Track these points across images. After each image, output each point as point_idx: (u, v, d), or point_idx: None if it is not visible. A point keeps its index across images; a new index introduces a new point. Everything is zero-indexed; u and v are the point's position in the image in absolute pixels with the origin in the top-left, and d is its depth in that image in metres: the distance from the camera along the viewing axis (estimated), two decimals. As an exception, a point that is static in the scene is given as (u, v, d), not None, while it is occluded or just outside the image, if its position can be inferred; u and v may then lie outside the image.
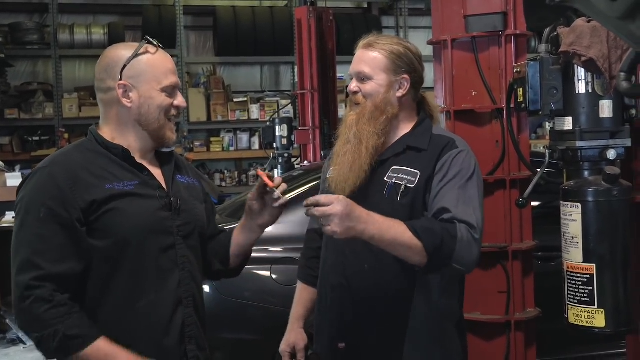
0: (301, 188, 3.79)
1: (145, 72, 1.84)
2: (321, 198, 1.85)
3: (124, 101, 1.85)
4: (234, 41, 9.25)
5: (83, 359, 1.73)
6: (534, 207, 3.07)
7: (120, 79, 1.84)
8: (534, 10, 2.33)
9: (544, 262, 3.50)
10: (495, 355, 2.95)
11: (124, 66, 1.83)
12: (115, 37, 8.90)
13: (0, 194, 6.47)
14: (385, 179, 2.06)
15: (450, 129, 2.99)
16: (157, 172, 1.91)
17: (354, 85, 2.13)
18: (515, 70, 2.40)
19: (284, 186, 1.94)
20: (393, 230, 1.90)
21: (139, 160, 1.88)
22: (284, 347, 2.27)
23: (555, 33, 2.24)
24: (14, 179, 6.57)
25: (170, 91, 1.87)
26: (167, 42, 8.22)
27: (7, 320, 5.81)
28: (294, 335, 2.28)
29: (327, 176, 2.22)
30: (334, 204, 1.83)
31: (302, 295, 2.33)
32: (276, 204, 1.94)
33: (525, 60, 2.37)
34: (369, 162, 2.06)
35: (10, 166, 7.56)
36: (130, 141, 1.88)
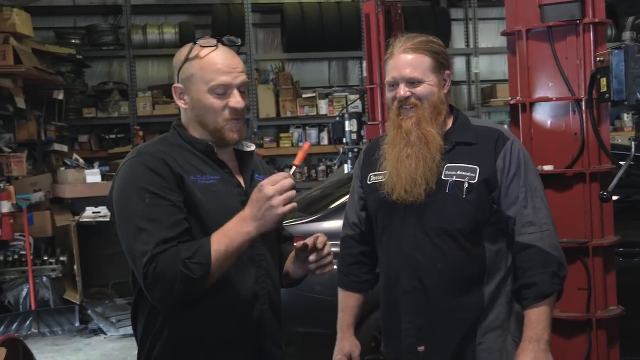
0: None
1: (193, 75, 1.85)
2: None
3: (180, 103, 1.88)
4: (301, 37, 9.30)
5: (219, 260, 1.69)
6: (614, 201, 2.96)
7: (178, 82, 1.88)
8: (628, -6, 2.24)
9: (626, 259, 3.38)
10: (576, 354, 2.87)
11: (180, 69, 1.87)
12: (186, 36, 9.10)
13: (80, 190, 6.72)
14: (442, 177, 2.06)
15: (526, 122, 2.92)
16: (236, 170, 1.93)
17: (405, 91, 2.09)
18: (597, 59, 2.32)
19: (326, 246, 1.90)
20: (544, 319, 2.05)
21: (219, 156, 1.90)
22: (339, 356, 2.28)
23: (640, 20, 2.15)
24: (93, 176, 6.81)
25: (221, 92, 1.84)
26: (237, 39, 8.33)
27: (89, 311, 6.04)
28: (347, 344, 2.29)
29: (372, 182, 2.19)
30: None
31: (348, 303, 2.33)
32: (317, 272, 1.91)
33: (604, 49, 2.29)
34: (437, 163, 2.05)
35: (89, 163, 7.84)
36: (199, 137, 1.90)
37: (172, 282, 1.68)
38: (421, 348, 2.09)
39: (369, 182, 2.22)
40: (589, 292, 2.83)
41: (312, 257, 1.87)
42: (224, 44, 1.87)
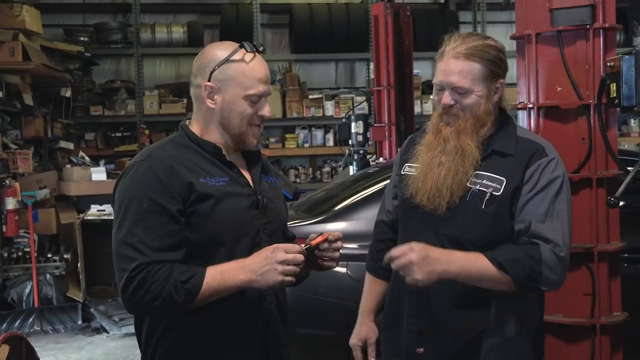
0: (377, 185, 3.77)
1: (232, 78, 1.85)
2: (393, 252, 1.85)
3: (208, 102, 1.87)
4: (309, 38, 9.30)
5: (206, 294, 1.73)
6: (620, 206, 2.95)
7: (209, 80, 1.86)
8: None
9: (630, 265, 3.36)
10: (579, 360, 2.85)
11: (215, 68, 1.85)
12: (194, 36, 9.12)
13: (86, 188, 6.74)
14: (468, 184, 1.98)
15: (534, 126, 2.91)
16: (244, 170, 1.94)
17: (449, 99, 1.98)
18: (608, 64, 2.31)
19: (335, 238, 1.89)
20: (478, 265, 1.88)
21: (227, 157, 1.90)
22: (355, 340, 2.25)
23: (651, 25, 2.14)
24: (98, 174, 6.81)
25: (255, 100, 1.87)
26: (244, 39, 8.28)
27: (92, 310, 6.04)
28: (365, 329, 2.25)
29: (405, 172, 2.14)
30: (407, 254, 1.82)
31: (372, 288, 2.29)
32: (325, 263, 1.90)
33: (614, 55, 2.27)
34: (468, 178, 1.98)
35: (94, 161, 7.85)
36: (214, 139, 1.90)
37: (156, 297, 1.71)
38: (420, 350, 2.06)
39: (402, 172, 2.16)
40: (593, 298, 2.81)
41: (325, 245, 1.86)
42: (258, 51, 1.89)
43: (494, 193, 1.96)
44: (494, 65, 1.99)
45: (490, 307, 2.01)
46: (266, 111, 1.89)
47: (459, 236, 1.99)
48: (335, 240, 1.87)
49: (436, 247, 1.88)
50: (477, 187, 1.98)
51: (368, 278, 2.31)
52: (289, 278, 1.74)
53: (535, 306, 2.11)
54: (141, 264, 1.72)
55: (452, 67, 1.97)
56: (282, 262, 1.72)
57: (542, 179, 1.95)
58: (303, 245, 1.82)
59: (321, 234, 1.88)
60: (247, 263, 1.76)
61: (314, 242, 1.85)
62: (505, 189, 1.96)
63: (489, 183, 1.97)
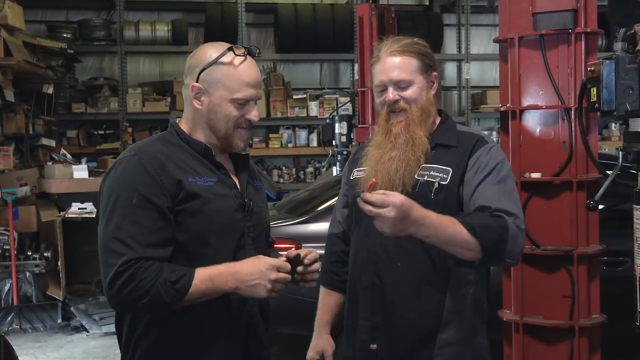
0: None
1: (219, 80, 1.84)
2: (377, 199, 1.80)
3: (195, 102, 1.86)
4: (294, 38, 9.30)
5: (193, 295, 1.73)
6: (600, 209, 2.98)
7: (197, 81, 1.85)
8: (620, 5, 2.26)
9: (610, 267, 3.40)
10: (558, 361, 2.88)
11: (203, 69, 1.84)
12: (178, 34, 9.08)
13: (67, 186, 6.67)
14: (416, 176, 2.03)
15: (515, 129, 2.93)
16: (231, 172, 1.93)
17: (394, 94, 2.07)
18: (589, 69, 2.33)
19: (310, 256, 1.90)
20: (449, 229, 1.89)
21: (216, 158, 1.89)
22: (311, 354, 2.26)
23: (632, 31, 2.16)
24: (80, 171, 6.75)
25: (242, 103, 1.86)
26: (229, 38, 8.31)
27: (72, 308, 5.99)
28: (321, 342, 2.27)
29: (353, 177, 2.19)
30: (389, 209, 1.80)
31: (327, 301, 2.30)
32: (300, 283, 1.90)
33: (595, 59, 2.30)
34: (420, 164, 2.03)
35: (76, 159, 7.79)
36: (202, 139, 1.89)
37: (144, 295, 1.70)
38: (374, 346, 2.07)
39: (351, 178, 2.21)
40: (572, 300, 2.84)
41: (299, 269, 1.87)
42: (251, 54, 1.88)
43: (442, 182, 2.02)
44: (427, 59, 2.11)
45: (444, 301, 2.03)
46: (253, 115, 1.88)
47: None
48: (311, 264, 1.88)
49: (417, 206, 1.85)
50: (425, 179, 2.03)
51: (322, 291, 2.32)
52: (272, 294, 1.77)
53: (485, 298, 2.13)
54: (130, 259, 1.70)
55: (390, 64, 2.08)
56: (272, 280, 1.75)
57: (490, 164, 2.03)
58: (286, 256, 1.84)
59: (298, 254, 1.87)
60: (237, 270, 1.76)
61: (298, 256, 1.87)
62: (452, 179, 2.02)
63: (436, 174, 2.03)
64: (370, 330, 2.08)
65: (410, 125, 2.05)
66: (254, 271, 1.76)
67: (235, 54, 1.84)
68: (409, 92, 2.07)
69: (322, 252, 3.23)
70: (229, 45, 1.87)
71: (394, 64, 2.07)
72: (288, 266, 1.79)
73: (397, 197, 1.82)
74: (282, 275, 1.77)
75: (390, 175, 2.03)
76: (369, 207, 1.80)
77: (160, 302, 1.71)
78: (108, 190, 1.80)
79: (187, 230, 1.78)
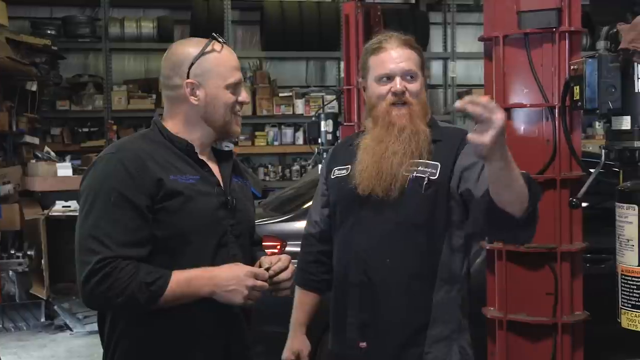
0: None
1: (211, 70, 1.85)
2: (492, 104, 1.57)
3: (192, 99, 1.85)
4: (280, 36, 9.29)
5: (169, 298, 1.72)
6: (583, 207, 3.00)
7: (188, 77, 1.84)
8: (603, 4, 2.28)
9: (593, 265, 3.42)
10: (541, 358, 2.89)
11: (192, 64, 1.84)
12: (164, 31, 9.04)
13: (51, 184, 6.63)
14: (403, 172, 2.02)
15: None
16: (215, 170, 1.92)
17: (401, 84, 2.04)
18: (572, 67, 2.35)
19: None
20: (517, 170, 1.75)
21: (199, 156, 1.88)
22: (287, 354, 2.25)
23: (615, 30, 2.18)
24: (64, 169, 6.71)
25: (234, 87, 1.88)
26: (215, 36, 8.31)
27: (56, 307, 5.95)
28: (297, 342, 2.27)
29: (335, 176, 2.16)
30: (499, 113, 1.57)
31: (303, 300, 2.29)
32: (273, 294, 1.88)
33: (579, 58, 2.31)
34: (422, 157, 2.03)
35: (60, 157, 7.73)
36: (194, 137, 1.88)
37: (119, 295, 1.69)
38: (363, 344, 2.06)
39: (332, 177, 2.19)
40: (555, 297, 2.86)
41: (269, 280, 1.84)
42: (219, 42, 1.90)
43: (431, 177, 2.02)
44: (424, 58, 2.13)
45: (432, 298, 2.03)
46: (244, 96, 1.91)
47: (404, 222, 2.03)
48: (278, 273, 1.84)
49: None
50: (414, 174, 2.02)
51: (298, 291, 2.30)
52: (249, 302, 1.77)
53: (467, 295, 2.14)
54: (106, 257, 1.69)
55: (399, 54, 2.06)
56: (250, 287, 1.75)
57: None
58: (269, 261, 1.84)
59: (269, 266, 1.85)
60: (214, 275, 1.76)
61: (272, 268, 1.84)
62: (441, 173, 2.02)
63: (425, 169, 2.03)
64: (360, 328, 2.07)
65: (414, 118, 2.04)
66: (231, 277, 1.75)
67: (219, 42, 1.87)
68: (414, 86, 2.06)
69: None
70: (201, 39, 1.89)
71: (403, 54, 2.06)
72: (266, 274, 1.79)
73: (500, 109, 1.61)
74: (259, 282, 1.76)
75: (392, 170, 2.01)
76: (479, 110, 1.57)
77: (134, 303, 1.70)
78: (87, 188, 1.79)
79: (168, 227, 1.77)
